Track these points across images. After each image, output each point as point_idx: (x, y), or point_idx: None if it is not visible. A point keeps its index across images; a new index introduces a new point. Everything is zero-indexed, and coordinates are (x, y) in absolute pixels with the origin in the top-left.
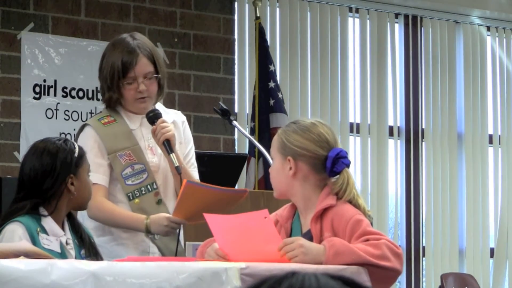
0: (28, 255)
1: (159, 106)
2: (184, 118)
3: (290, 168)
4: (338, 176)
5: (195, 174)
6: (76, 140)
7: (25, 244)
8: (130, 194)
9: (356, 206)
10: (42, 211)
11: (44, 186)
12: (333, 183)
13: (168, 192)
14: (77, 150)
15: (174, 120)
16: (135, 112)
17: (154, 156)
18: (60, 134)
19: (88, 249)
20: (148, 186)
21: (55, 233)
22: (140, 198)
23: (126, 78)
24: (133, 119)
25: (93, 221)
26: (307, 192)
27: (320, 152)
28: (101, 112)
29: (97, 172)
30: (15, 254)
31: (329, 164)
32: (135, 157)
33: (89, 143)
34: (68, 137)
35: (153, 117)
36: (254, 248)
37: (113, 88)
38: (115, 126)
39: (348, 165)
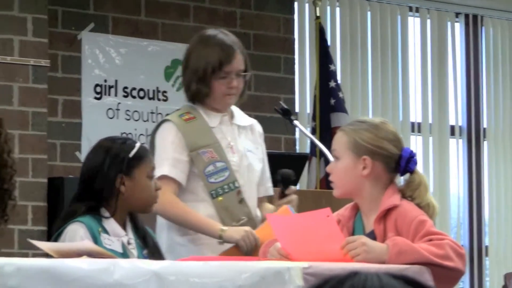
0: (91, 254)
1: (236, 110)
2: (261, 129)
3: (364, 168)
4: (409, 175)
5: (271, 191)
6: (153, 136)
7: (88, 243)
8: (214, 192)
9: (426, 205)
10: (103, 212)
11: (95, 185)
12: (408, 183)
13: (249, 192)
14: (134, 150)
15: (252, 124)
16: (216, 110)
17: (235, 155)
18: (121, 134)
19: (151, 249)
20: (231, 184)
21: (116, 234)
22: (224, 196)
23: (220, 72)
24: (212, 116)
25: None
26: (376, 192)
27: (394, 151)
28: (179, 109)
29: (174, 167)
30: (78, 254)
31: (403, 163)
32: (216, 155)
33: (169, 138)
34: (130, 137)
35: (286, 182)
36: (316, 247)
37: (204, 82)
38: (195, 123)
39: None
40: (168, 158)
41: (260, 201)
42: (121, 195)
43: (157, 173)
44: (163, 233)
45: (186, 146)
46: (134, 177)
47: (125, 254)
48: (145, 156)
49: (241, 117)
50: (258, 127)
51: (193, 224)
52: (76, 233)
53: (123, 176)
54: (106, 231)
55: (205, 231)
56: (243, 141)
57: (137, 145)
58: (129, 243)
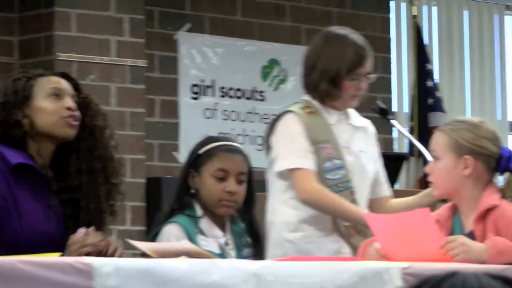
0: (190, 254)
1: (351, 110)
2: (374, 130)
3: (465, 167)
4: (508, 174)
5: (387, 192)
6: (272, 126)
7: (187, 243)
8: (329, 188)
9: None
10: (198, 211)
11: (181, 183)
12: (508, 182)
13: (360, 193)
14: (208, 147)
15: (366, 125)
16: (335, 108)
17: (350, 155)
18: (219, 134)
19: (256, 249)
20: (345, 184)
21: (213, 234)
22: (338, 194)
23: (353, 74)
24: (331, 113)
25: (286, 216)
26: (476, 192)
27: (495, 150)
28: (298, 102)
29: (307, 158)
30: (177, 254)
31: (504, 163)
32: (335, 152)
33: (296, 129)
34: (227, 137)
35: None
36: (415, 247)
37: (335, 83)
38: (315, 118)
39: None
40: (301, 150)
41: (378, 202)
42: (193, 191)
43: (289, 164)
44: (273, 229)
45: (309, 139)
46: (201, 174)
47: (222, 255)
48: (215, 154)
49: (356, 118)
50: (372, 128)
51: (343, 212)
52: (171, 234)
53: (193, 172)
54: (202, 232)
55: (353, 219)
56: (357, 141)
57: (217, 143)
58: (226, 244)
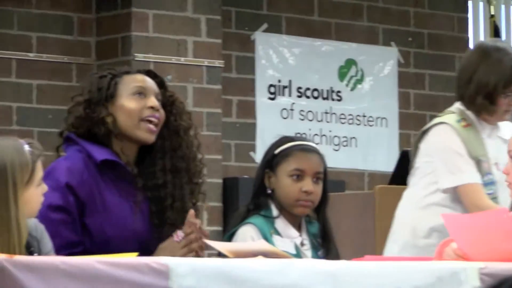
0: (266, 254)
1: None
2: None
3: None
4: None
5: None
6: (422, 136)
7: (264, 243)
8: None
9: None
10: (274, 212)
11: (256, 181)
12: None
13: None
14: (283, 147)
15: None
16: (487, 121)
17: (498, 172)
18: (296, 134)
19: (327, 249)
20: (494, 200)
21: (288, 235)
22: None
23: (508, 89)
24: (484, 127)
25: (420, 221)
26: None
27: None
28: (454, 112)
29: (474, 172)
30: (253, 254)
31: None
32: (489, 166)
33: (456, 143)
34: (304, 137)
35: None
36: (493, 247)
37: (491, 97)
38: (471, 131)
39: None
40: (467, 164)
41: None
42: (268, 191)
43: (458, 180)
44: (402, 232)
45: (467, 152)
46: (277, 174)
47: (298, 255)
48: (291, 154)
49: (505, 129)
50: None
51: None
52: (246, 235)
53: (269, 172)
54: (278, 233)
55: None
56: (504, 156)
57: (293, 143)
58: (302, 244)
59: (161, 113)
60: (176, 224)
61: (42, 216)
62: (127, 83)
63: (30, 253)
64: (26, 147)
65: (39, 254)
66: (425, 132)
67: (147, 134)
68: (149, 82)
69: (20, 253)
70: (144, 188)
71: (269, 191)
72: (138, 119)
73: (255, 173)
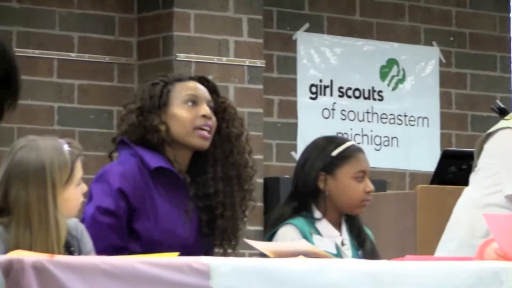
0: (307, 254)
1: None
2: None
3: None
4: None
5: None
6: (485, 141)
7: (304, 243)
8: None
9: None
10: (315, 212)
11: (299, 183)
12: None
13: None
14: (340, 149)
15: None
16: None
17: None
18: (337, 134)
19: (367, 249)
20: None
21: (329, 234)
22: None
23: None
24: None
25: (478, 220)
26: None
27: None
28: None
29: None
30: (294, 254)
31: None
32: None
33: None
34: (345, 136)
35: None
36: None
37: None
38: None
39: None
40: None
41: None
42: (325, 194)
43: None
44: (459, 231)
45: None
46: (337, 177)
47: (338, 255)
48: (351, 156)
49: None
50: None
51: None
52: (287, 235)
53: (325, 175)
54: (318, 232)
55: None
56: None
57: (346, 144)
58: (343, 244)
59: (213, 121)
60: (226, 232)
61: (91, 218)
62: (179, 91)
63: (70, 252)
64: (66, 147)
65: (79, 253)
66: (490, 134)
67: (201, 140)
68: (201, 90)
69: (59, 252)
70: (195, 197)
71: (326, 193)
72: (191, 127)
73: (300, 174)
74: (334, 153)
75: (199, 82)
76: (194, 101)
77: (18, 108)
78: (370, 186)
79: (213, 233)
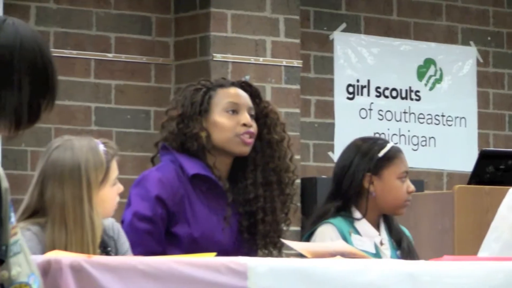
0: (345, 254)
1: None
2: None
3: None
4: None
5: None
6: None
7: (342, 243)
8: None
9: None
10: (355, 212)
11: (344, 184)
12: None
13: None
14: (385, 150)
15: None
16: None
17: None
18: (374, 134)
19: (405, 250)
20: None
21: (368, 234)
22: None
23: None
24: None
25: None
26: None
27: None
28: None
29: None
30: (332, 254)
31: None
32: None
33: None
34: (383, 137)
35: None
36: None
37: None
38: None
39: None
40: None
41: None
42: (370, 195)
43: None
44: (504, 232)
45: None
46: (383, 178)
47: (377, 255)
48: (396, 157)
49: None
50: None
51: None
52: (325, 235)
53: (371, 176)
54: (357, 232)
55: None
56: None
57: (389, 145)
58: (381, 244)
59: (254, 127)
60: (268, 236)
61: (128, 224)
62: (220, 98)
63: (107, 253)
64: (101, 147)
65: (116, 254)
66: None
67: (242, 147)
68: (242, 97)
69: (94, 251)
70: (234, 203)
71: (373, 194)
72: (232, 135)
73: (344, 175)
74: (380, 154)
75: (241, 88)
76: (235, 109)
77: (55, 109)
78: (412, 187)
79: (254, 238)
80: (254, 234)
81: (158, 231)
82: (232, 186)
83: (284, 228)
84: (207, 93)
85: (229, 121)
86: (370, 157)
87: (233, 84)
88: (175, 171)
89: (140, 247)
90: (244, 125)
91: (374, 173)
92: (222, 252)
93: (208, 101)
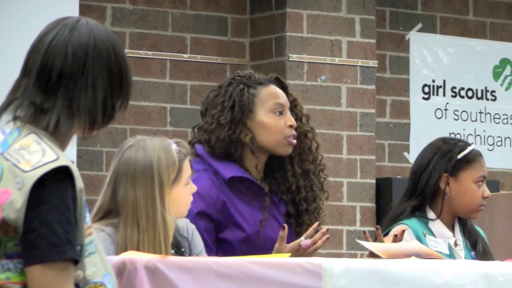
0: (419, 255)
1: None
2: None
3: None
4: None
5: None
6: None
7: (416, 244)
8: None
9: None
10: (429, 213)
11: (420, 183)
12: None
13: None
14: (464, 152)
15: None
16: None
17: None
18: (449, 134)
19: (479, 251)
20: None
21: (443, 235)
22: None
23: None
24: None
25: None
26: None
27: None
28: None
29: None
30: (406, 255)
31: None
32: None
33: None
34: (458, 137)
35: None
36: None
37: None
38: None
39: None
40: None
41: None
42: (445, 196)
43: None
44: None
45: None
46: (460, 179)
47: (451, 256)
48: (475, 160)
49: None
50: None
51: None
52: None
53: (448, 176)
54: (431, 233)
55: None
56: None
57: (469, 148)
58: (456, 245)
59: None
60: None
61: None
62: (264, 97)
63: (181, 254)
64: (174, 146)
65: (190, 254)
66: None
67: (289, 148)
68: (284, 97)
69: (166, 251)
70: (275, 194)
71: (447, 195)
72: (281, 137)
73: (422, 174)
74: (460, 156)
75: (276, 84)
76: (281, 110)
77: (130, 109)
78: (488, 192)
79: (301, 227)
80: (302, 226)
81: (206, 244)
82: (269, 178)
83: (321, 216)
84: (248, 91)
85: (277, 122)
86: (449, 157)
87: (269, 81)
88: (209, 179)
89: None
90: (291, 126)
91: (451, 174)
92: (267, 248)
93: (252, 100)
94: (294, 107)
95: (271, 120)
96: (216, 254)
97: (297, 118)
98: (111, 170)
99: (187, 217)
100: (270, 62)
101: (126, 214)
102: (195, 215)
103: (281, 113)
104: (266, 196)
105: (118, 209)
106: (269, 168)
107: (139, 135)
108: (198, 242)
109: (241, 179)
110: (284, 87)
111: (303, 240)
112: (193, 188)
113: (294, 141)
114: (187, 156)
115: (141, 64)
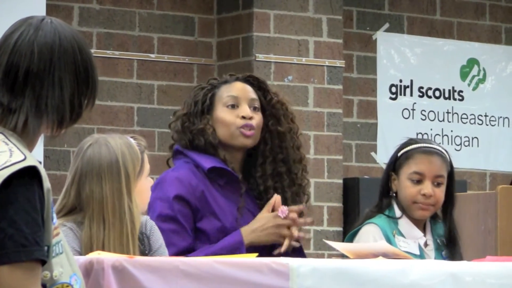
0: (387, 255)
1: None
2: None
3: None
4: None
5: None
6: None
7: (384, 244)
8: None
9: None
10: (397, 213)
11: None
12: None
13: None
14: (406, 149)
15: None
16: None
17: None
18: (417, 135)
19: (451, 252)
20: None
21: (412, 235)
22: None
23: None
24: None
25: None
26: None
27: None
28: None
29: None
30: (374, 254)
31: None
32: None
33: None
34: (425, 137)
35: None
36: None
37: None
38: None
39: None
40: None
41: None
42: (392, 193)
43: None
44: None
45: None
46: (400, 177)
47: (421, 256)
48: (411, 157)
49: None
50: None
51: None
52: (369, 235)
53: (392, 174)
54: (401, 233)
55: None
56: None
57: (415, 145)
58: (426, 245)
59: (256, 119)
60: None
61: None
62: (221, 94)
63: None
64: (132, 141)
65: (149, 250)
66: None
67: (243, 139)
68: (242, 90)
69: (134, 243)
70: (248, 194)
71: (394, 194)
72: (233, 129)
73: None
74: (400, 153)
75: (246, 82)
76: (234, 103)
77: (98, 109)
78: (427, 189)
79: None
80: None
81: (182, 228)
82: (247, 181)
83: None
84: (211, 91)
85: (229, 115)
86: (393, 156)
87: (237, 79)
88: (190, 170)
89: (171, 248)
90: (243, 117)
91: (395, 172)
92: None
93: (211, 98)
94: (272, 106)
95: (224, 114)
96: (194, 243)
97: (276, 117)
98: (72, 170)
99: (162, 199)
100: (237, 62)
101: (91, 211)
102: (173, 198)
103: (235, 106)
104: (241, 183)
105: (82, 207)
106: (249, 171)
107: (96, 134)
108: (157, 238)
109: (220, 173)
110: (261, 86)
111: (281, 208)
112: (151, 181)
113: (249, 132)
114: (146, 149)
115: (108, 64)
